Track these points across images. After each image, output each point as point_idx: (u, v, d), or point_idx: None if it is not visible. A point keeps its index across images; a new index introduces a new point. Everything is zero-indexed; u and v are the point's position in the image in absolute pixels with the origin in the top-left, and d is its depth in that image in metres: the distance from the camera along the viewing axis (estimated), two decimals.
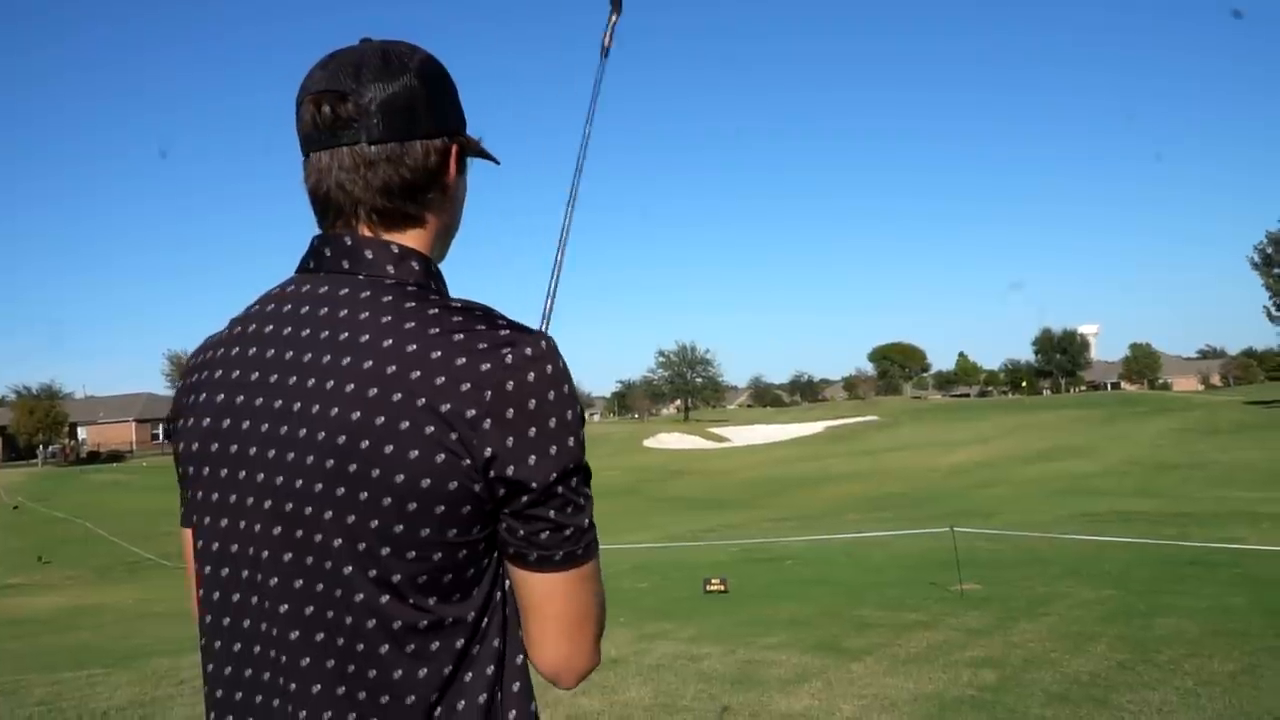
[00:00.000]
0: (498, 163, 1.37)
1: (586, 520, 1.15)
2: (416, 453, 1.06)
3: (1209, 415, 57.40)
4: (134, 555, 30.60)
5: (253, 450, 1.16)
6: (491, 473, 1.08)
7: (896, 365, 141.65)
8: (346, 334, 1.13)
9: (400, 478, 1.07)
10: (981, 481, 36.98)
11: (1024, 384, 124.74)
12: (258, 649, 1.17)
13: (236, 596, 1.19)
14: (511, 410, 1.08)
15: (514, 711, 1.16)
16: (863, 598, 11.52)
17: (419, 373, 1.08)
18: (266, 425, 1.15)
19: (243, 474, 1.17)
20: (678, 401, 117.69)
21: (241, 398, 1.19)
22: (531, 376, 1.10)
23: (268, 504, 1.14)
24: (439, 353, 1.09)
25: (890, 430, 69.35)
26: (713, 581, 12.68)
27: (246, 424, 1.17)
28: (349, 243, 1.20)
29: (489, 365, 1.08)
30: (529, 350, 1.11)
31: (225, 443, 1.19)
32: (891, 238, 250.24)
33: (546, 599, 1.16)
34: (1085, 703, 6.09)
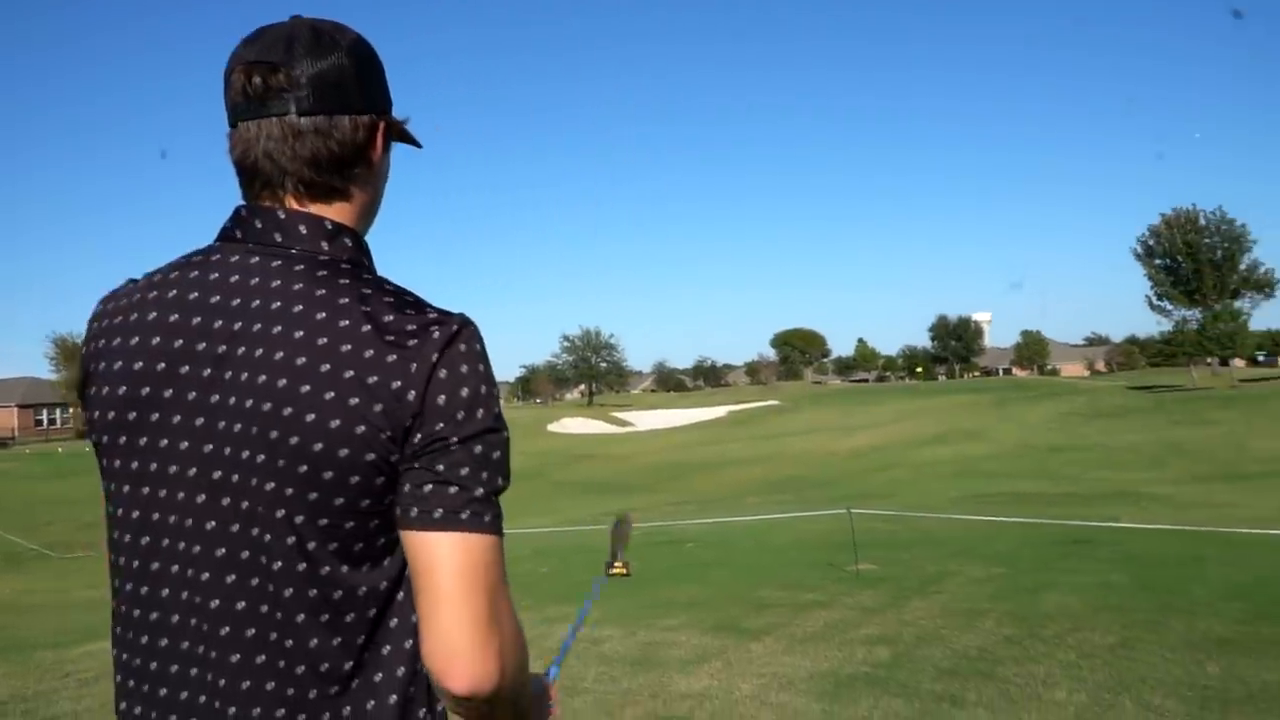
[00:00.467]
0: (419, 146, 1.38)
1: (480, 489, 1.12)
2: (338, 422, 1.09)
3: (1094, 400, 59.57)
4: (14, 545, 29.37)
5: (177, 418, 1.16)
6: (407, 443, 1.10)
7: (798, 351, 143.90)
8: (279, 304, 1.14)
9: (319, 446, 1.09)
10: (879, 464, 37.84)
11: (920, 370, 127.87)
12: (176, 618, 1.17)
13: (156, 565, 1.18)
14: (434, 385, 1.10)
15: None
16: (762, 579, 11.68)
17: (349, 346, 1.10)
18: (194, 393, 1.15)
19: (164, 442, 1.17)
20: (581, 386, 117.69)
21: (163, 365, 1.17)
22: (455, 355, 1.13)
23: (193, 471, 1.15)
24: (369, 328, 1.11)
25: (791, 415, 70.41)
26: (614, 565, 12.69)
27: (170, 392, 1.17)
28: (282, 216, 1.21)
29: (416, 342, 1.11)
30: (455, 330, 1.14)
31: (147, 410, 1.18)
32: (793, 225, 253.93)
33: (429, 570, 1.10)
34: (973, 676, 6.27)
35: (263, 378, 1.11)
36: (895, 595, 9.88)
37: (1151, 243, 76.21)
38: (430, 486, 1.10)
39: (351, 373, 1.09)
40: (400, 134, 1.32)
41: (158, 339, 1.18)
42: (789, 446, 49.90)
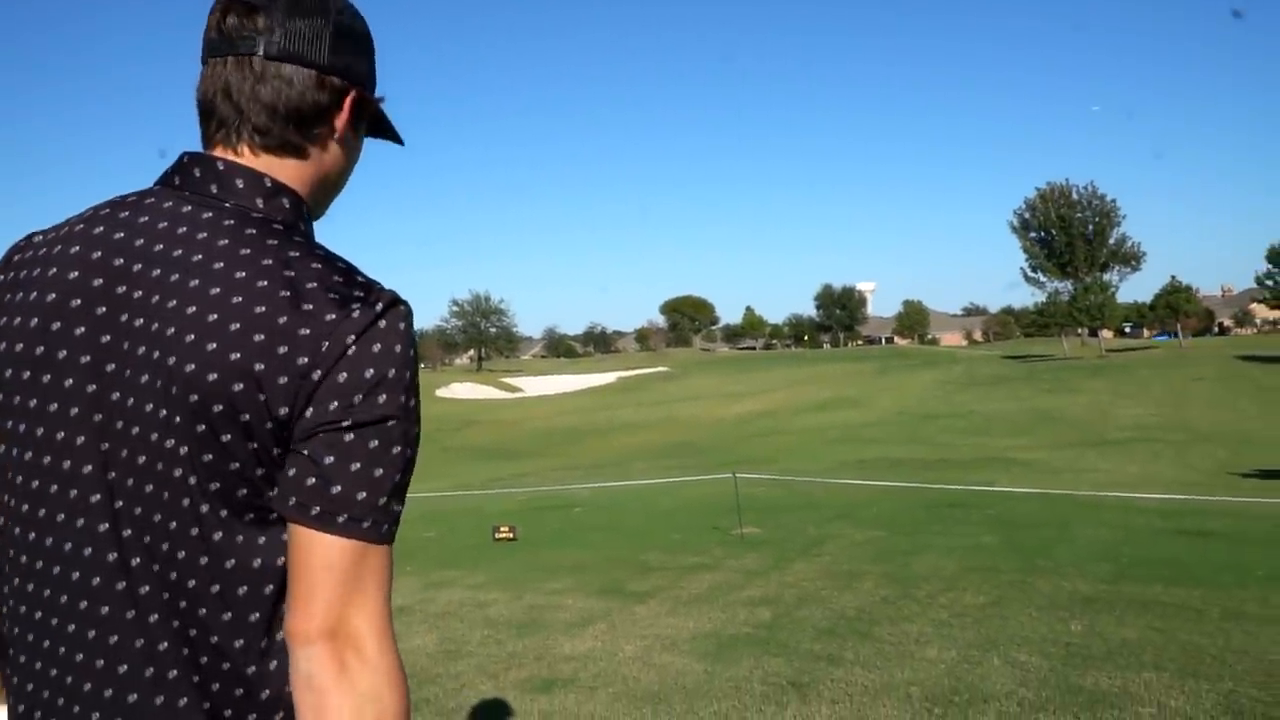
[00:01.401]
0: (401, 143, 1.36)
1: (363, 493, 1.03)
2: (240, 387, 1.02)
3: (970, 369, 61.65)
4: None
5: (85, 359, 1.09)
6: (300, 419, 1.03)
7: (687, 318, 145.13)
8: (199, 258, 1.08)
9: (218, 408, 1.03)
10: (764, 430, 38.48)
11: (806, 338, 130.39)
12: (76, 575, 1.08)
13: (43, 511, 1.10)
14: (340, 364, 1.04)
15: None
16: (648, 543, 11.77)
17: (263, 309, 1.04)
18: (108, 337, 1.09)
19: (69, 382, 1.09)
20: (470, 352, 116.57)
21: (78, 302, 1.10)
22: (372, 335, 1.06)
23: (97, 418, 1.08)
24: (288, 293, 1.05)
25: (679, 381, 71.09)
26: (501, 529, 12.64)
27: (81, 330, 1.10)
28: (221, 168, 1.15)
29: (334, 316, 1.04)
30: (379, 307, 1.07)
31: (53, 348, 1.10)
32: (684, 193, 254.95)
33: (298, 564, 1.03)
34: (850, 636, 6.43)
35: (171, 330, 1.05)
36: (778, 558, 10.06)
37: (1027, 216, 78.94)
38: (312, 480, 1.03)
39: (261, 337, 1.03)
40: (376, 117, 1.29)
41: (75, 274, 1.12)
42: (677, 412, 50.39)
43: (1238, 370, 52.77)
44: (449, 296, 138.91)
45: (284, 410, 1.03)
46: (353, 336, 1.04)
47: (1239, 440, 26.55)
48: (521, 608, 7.96)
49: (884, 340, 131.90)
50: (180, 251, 1.09)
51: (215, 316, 1.04)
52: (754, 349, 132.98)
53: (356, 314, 1.05)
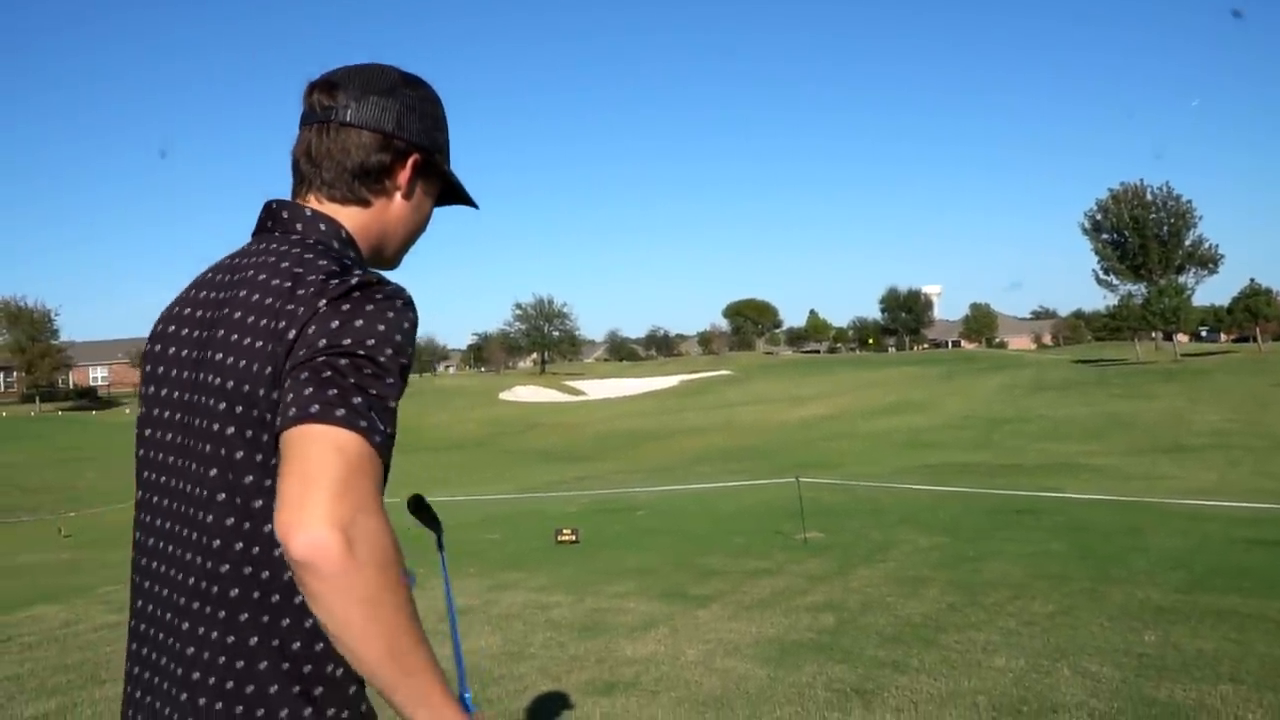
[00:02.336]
0: (475, 206, 1.58)
1: (336, 391, 1.17)
2: (257, 366, 1.26)
3: (1039, 373, 60.50)
4: None
5: (185, 374, 1.37)
6: (282, 370, 1.24)
7: (750, 321, 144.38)
8: (252, 272, 1.35)
9: (246, 388, 1.27)
10: (828, 434, 38.15)
11: (871, 341, 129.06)
12: (160, 521, 1.38)
13: (155, 497, 1.40)
14: (311, 320, 1.24)
15: None
16: (710, 547, 11.75)
17: (270, 299, 1.28)
18: (196, 351, 1.37)
19: (168, 392, 1.40)
20: (534, 355, 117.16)
21: (188, 330, 1.41)
22: (346, 300, 1.25)
23: (178, 416, 1.37)
24: (289, 284, 1.28)
25: (742, 384, 70.76)
26: (564, 532, 12.70)
27: (172, 349, 1.41)
28: (285, 215, 1.42)
29: (314, 290, 1.26)
30: (353, 282, 1.27)
31: (159, 368, 1.43)
32: (747, 196, 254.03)
33: (288, 457, 1.15)
34: (916, 643, 6.35)
35: (221, 332, 1.32)
36: (842, 563, 9.97)
37: (1099, 217, 77.24)
38: (291, 395, 1.19)
39: (265, 321, 1.27)
40: (442, 175, 1.50)
41: (173, 326, 1.44)
42: (740, 416, 50.17)
43: None
44: (513, 300, 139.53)
45: (272, 370, 1.24)
46: (324, 301, 1.24)
47: None
48: (583, 610, 7.98)
49: (950, 344, 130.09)
50: (250, 273, 1.35)
51: (241, 314, 1.30)
52: (818, 352, 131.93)
53: (332, 286, 1.26)
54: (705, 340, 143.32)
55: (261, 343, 1.25)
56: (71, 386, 78.89)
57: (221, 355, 1.30)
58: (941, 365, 72.00)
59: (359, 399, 1.17)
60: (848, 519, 13.82)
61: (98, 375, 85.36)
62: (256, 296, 1.29)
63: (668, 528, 14.44)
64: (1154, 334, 76.14)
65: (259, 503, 1.26)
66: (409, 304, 1.29)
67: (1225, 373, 54.34)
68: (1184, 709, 4.75)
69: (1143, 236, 74.04)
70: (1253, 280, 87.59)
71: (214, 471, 1.29)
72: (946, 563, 9.79)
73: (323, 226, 1.39)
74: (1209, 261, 74.80)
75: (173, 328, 1.43)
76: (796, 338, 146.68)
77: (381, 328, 1.23)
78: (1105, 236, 76.75)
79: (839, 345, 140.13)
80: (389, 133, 1.40)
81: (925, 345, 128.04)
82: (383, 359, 1.22)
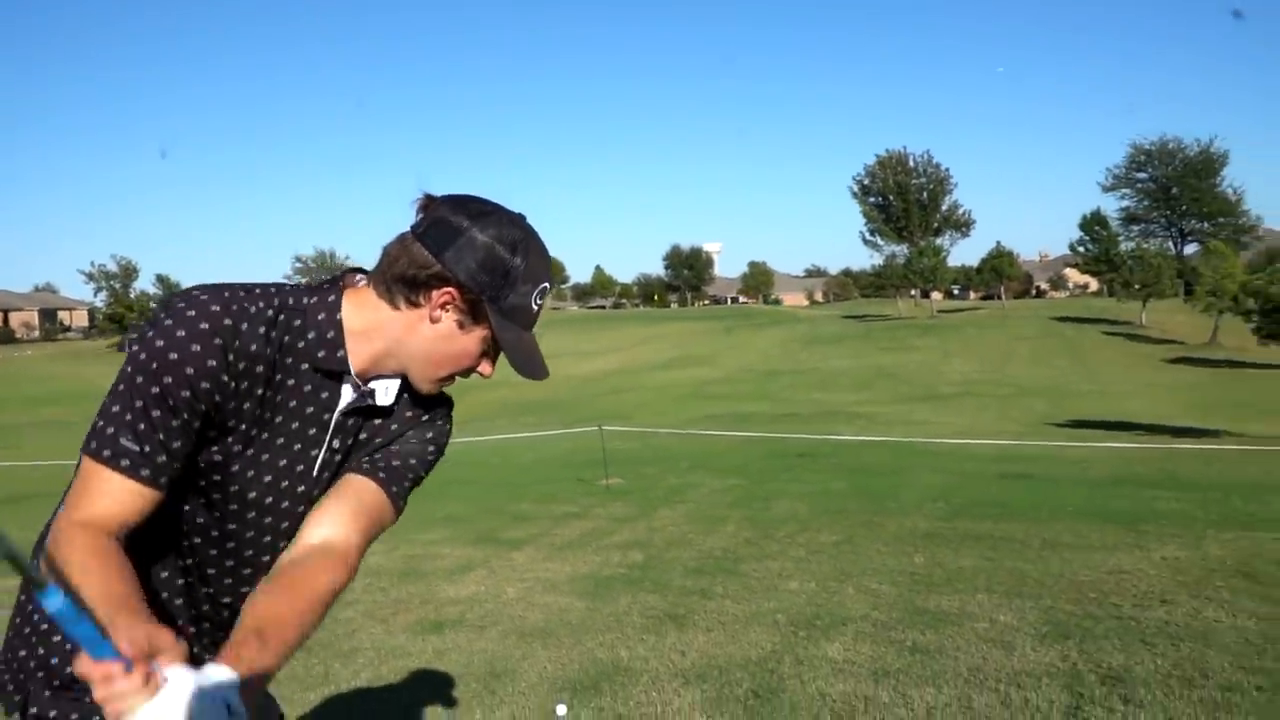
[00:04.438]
0: (517, 369, 1.58)
1: (97, 420, 1.42)
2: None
3: (813, 328, 63.64)
4: None
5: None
6: None
7: None
8: None
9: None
10: (617, 387, 39.00)
11: (655, 297, 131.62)
12: None
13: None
14: None
15: None
16: (517, 495, 12.08)
17: None
18: None
19: None
20: None
21: None
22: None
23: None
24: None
25: None
26: None
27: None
28: (338, 275, 1.61)
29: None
30: (160, 312, 1.47)
31: None
32: (533, 155, 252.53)
33: None
34: (718, 573, 6.91)
35: None
36: (644, 506, 10.53)
37: (867, 182, 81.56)
38: None
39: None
40: (474, 310, 1.51)
41: None
42: None
43: (1053, 330, 56.23)
44: (291, 253, 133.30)
45: None
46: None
47: (1055, 394, 28.53)
48: (399, 558, 8.12)
49: (730, 300, 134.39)
50: None
51: None
52: (604, 308, 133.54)
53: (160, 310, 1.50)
54: None
55: None
56: None
57: None
58: (722, 320, 74.45)
59: (98, 417, 1.43)
60: (645, 466, 14.44)
61: None
62: None
63: (473, 478, 14.63)
64: (914, 291, 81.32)
65: None
66: (178, 311, 1.43)
67: (974, 327, 58.93)
68: (949, 615, 5.48)
69: (905, 201, 78.76)
70: (999, 243, 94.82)
71: None
72: (739, 502, 10.51)
73: (330, 298, 1.55)
74: (963, 225, 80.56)
75: None
76: (583, 294, 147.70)
77: (147, 346, 1.45)
78: (872, 200, 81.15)
79: (624, 301, 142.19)
80: (436, 257, 1.47)
81: (707, 301, 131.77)
82: (135, 366, 1.43)
